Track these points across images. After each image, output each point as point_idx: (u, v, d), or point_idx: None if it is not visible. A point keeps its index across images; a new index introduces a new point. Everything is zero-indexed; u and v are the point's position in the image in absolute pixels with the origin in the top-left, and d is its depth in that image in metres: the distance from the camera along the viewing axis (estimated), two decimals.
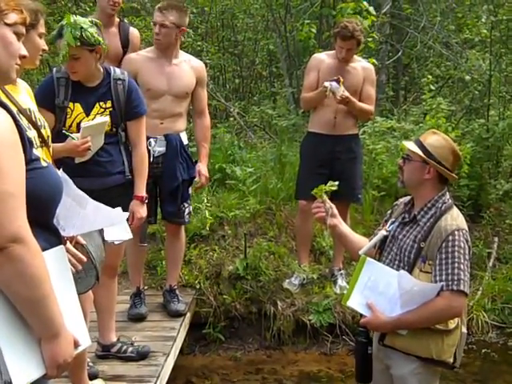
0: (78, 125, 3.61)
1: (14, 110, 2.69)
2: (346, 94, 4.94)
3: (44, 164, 1.93)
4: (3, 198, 1.66)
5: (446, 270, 2.77)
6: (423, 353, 2.85)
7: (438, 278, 2.78)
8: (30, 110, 2.81)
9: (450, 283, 2.75)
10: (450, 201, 2.98)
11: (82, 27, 3.47)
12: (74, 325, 1.91)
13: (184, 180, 4.55)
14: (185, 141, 4.62)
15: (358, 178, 5.39)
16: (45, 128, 2.90)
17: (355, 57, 5.30)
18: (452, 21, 9.66)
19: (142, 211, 3.86)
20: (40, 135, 2.84)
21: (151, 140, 4.41)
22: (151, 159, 4.40)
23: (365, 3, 6.71)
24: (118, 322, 4.67)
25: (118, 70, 3.80)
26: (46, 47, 2.96)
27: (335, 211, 3.13)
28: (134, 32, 5.23)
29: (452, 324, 2.85)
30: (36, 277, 1.71)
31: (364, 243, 3.15)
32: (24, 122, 2.72)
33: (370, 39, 7.22)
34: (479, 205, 6.67)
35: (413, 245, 2.90)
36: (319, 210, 3.11)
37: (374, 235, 3.20)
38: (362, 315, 2.99)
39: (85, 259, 2.62)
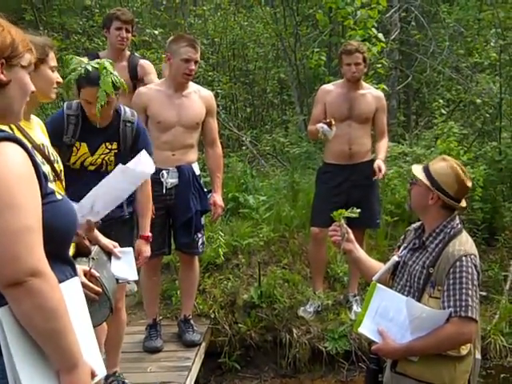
0: (82, 164, 3.65)
1: (29, 145, 2.75)
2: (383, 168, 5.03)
3: (59, 197, 1.96)
4: (22, 232, 1.68)
5: (453, 296, 2.75)
6: (436, 380, 2.81)
7: (446, 304, 2.76)
8: (43, 145, 2.88)
9: (458, 309, 2.72)
10: (460, 226, 2.95)
11: (111, 73, 3.45)
12: (90, 355, 1.93)
13: (197, 211, 4.56)
14: (197, 171, 4.63)
15: (375, 204, 5.40)
16: (57, 162, 2.96)
17: (364, 84, 5.33)
18: (461, 45, 9.70)
19: (148, 250, 3.89)
20: (53, 169, 2.90)
21: (163, 172, 4.44)
22: (164, 191, 4.45)
23: (374, 30, 6.77)
24: (134, 352, 4.70)
25: (128, 111, 3.78)
26: (60, 80, 3.00)
27: (351, 236, 3.14)
28: (142, 63, 5.32)
29: (464, 350, 2.83)
30: (55, 310, 1.73)
31: (379, 268, 3.14)
32: (38, 157, 2.79)
33: (379, 65, 7.28)
34: (494, 228, 6.63)
35: (422, 270, 2.89)
36: (335, 233, 3.11)
37: (387, 260, 3.20)
38: (373, 342, 2.98)
39: (101, 291, 2.65)
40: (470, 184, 2.94)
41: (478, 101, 8.13)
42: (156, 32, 8.73)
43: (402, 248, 3.11)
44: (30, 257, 1.69)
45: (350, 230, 3.14)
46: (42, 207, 1.79)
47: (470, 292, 2.75)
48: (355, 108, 5.09)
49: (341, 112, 5.13)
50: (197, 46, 4.42)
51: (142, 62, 5.39)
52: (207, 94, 4.71)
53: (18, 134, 2.76)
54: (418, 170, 2.99)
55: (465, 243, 2.87)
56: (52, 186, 1.98)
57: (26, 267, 1.67)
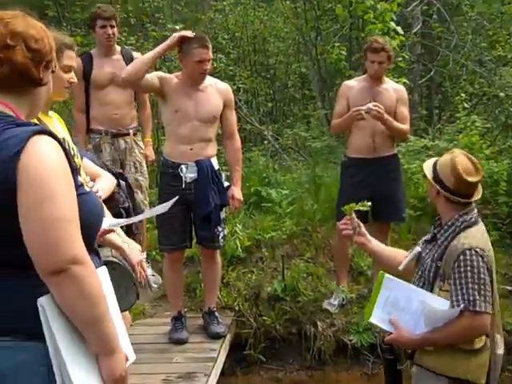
0: None
1: None
2: (383, 111, 4.94)
3: (87, 189, 2.00)
4: (62, 221, 1.73)
5: (461, 290, 2.74)
6: (450, 372, 2.81)
7: (454, 299, 2.75)
8: (64, 139, 2.93)
9: (466, 303, 2.72)
10: (473, 219, 2.90)
11: None
12: (123, 340, 1.97)
13: (216, 205, 4.56)
14: (215, 165, 4.62)
15: (400, 198, 5.38)
16: (77, 158, 3.02)
17: (386, 78, 5.33)
18: (484, 38, 9.63)
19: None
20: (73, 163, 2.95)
21: (182, 166, 4.48)
22: (183, 185, 4.47)
23: (392, 24, 6.74)
24: (160, 343, 4.74)
25: None
26: (74, 80, 2.99)
27: (363, 230, 3.13)
28: (136, 56, 5.35)
29: (478, 344, 2.81)
30: (95, 296, 1.78)
31: (399, 256, 3.13)
32: None
33: (400, 59, 7.26)
34: None
35: (431, 264, 2.89)
36: (346, 227, 3.11)
37: (412, 250, 3.19)
38: (385, 332, 2.98)
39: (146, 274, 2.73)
40: (472, 179, 2.84)
41: (502, 94, 8.06)
42: (177, 27, 8.73)
43: (422, 240, 3.11)
44: (71, 245, 1.74)
45: (361, 224, 3.13)
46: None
47: (475, 286, 2.73)
48: (378, 102, 5.08)
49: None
50: (208, 44, 4.39)
51: (136, 54, 5.46)
52: (224, 86, 4.69)
53: None
54: (428, 164, 2.99)
55: (472, 236, 2.83)
56: (80, 178, 2.02)
57: (68, 255, 1.72)
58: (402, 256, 3.14)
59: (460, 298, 2.72)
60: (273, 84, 10.61)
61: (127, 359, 1.97)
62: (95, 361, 1.85)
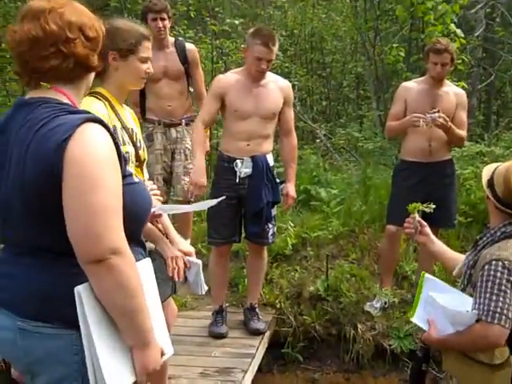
0: None
1: (119, 125, 2.90)
2: (446, 119, 4.82)
3: (136, 180, 2.02)
4: (104, 211, 1.75)
5: (479, 298, 2.71)
6: (466, 382, 2.81)
7: (475, 307, 2.72)
8: (132, 130, 2.99)
9: (481, 313, 2.68)
10: None
11: None
12: (160, 334, 1.98)
13: (268, 201, 4.56)
14: (271, 162, 4.62)
15: (453, 204, 5.28)
16: (143, 151, 3.08)
17: (446, 81, 5.21)
18: None
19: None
20: (137, 154, 3.02)
21: (237, 161, 4.48)
22: (237, 180, 4.48)
23: (453, 26, 6.62)
24: (199, 336, 4.78)
25: None
26: (150, 70, 3.07)
27: (427, 230, 3.17)
28: (190, 47, 5.41)
29: (498, 359, 2.75)
30: (133, 288, 1.79)
31: (459, 260, 3.10)
32: (126, 137, 2.92)
33: (459, 61, 7.12)
34: None
35: (466, 270, 2.89)
36: (409, 225, 3.18)
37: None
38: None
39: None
40: None
41: None
42: (236, 22, 8.79)
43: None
44: (111, 235, 1.75)
45: (425, 224, 3.17)
46: (122, 188, 1.84)
47: (493, 297, 2.67)
48: (438, 105, 4.96)
49: (423, 109, 4.98)
50: (272, 45, 4.32)
51: (188, 45, 5.46)
52: (285, 84, 4.66)
53: (112, 115, 2.90)
54: (489, 168, 2.95)
55: (505, 248, 2.77)
56: (130, 168, 2.04)
57: (108, 245, 1.74)
58: (461, 260, 3.10)
59: (477, 306, 2.71)
60: (328, 83, 10.58)
61: (163, 353, 1.97)
62: (129, 353, 1.86)
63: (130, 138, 3.01)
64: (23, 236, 1.88)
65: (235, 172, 4.49)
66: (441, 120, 4.77)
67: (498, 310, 2.67)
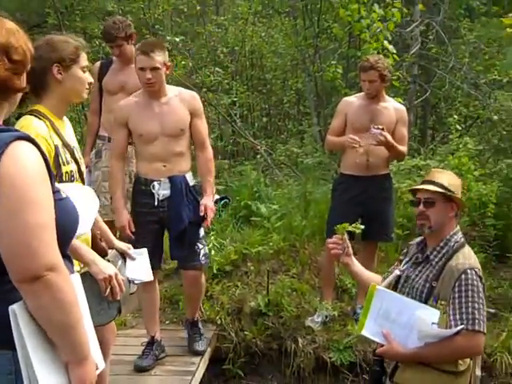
0: None
1: (60, 143, 2.88)
2: (388, 137, 4.89)
3: (64, 195, 2.00)
4: (39, 228, 1.73)
5: (459, 309, 2.77)
6: None
7: (452, 318, 2.78)
8: (74, 147, 2.99)
9: (465, 322, 2.74)
10: (463, 239, 3.00)
11: None
12: (92, 348, 1.96)
13: (191, 222, 4.36)
14: (190, 181, 4.44)
15: (390, 218, 5.38)
16: (82, 164, 3.08)
17: (386, 97, 5.30)
18: (480, 62, 9.68)
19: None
20: (79, 170, 3.01)
21: (155, 183, 4.32)
22: (156, 203, 4.33)
23: (386, 43, 6.78)
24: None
25: None
26: (91, 80, 3.07)
27: (350, 250, 3.19)
28: None
29: (463, 366, 2.83)
30: (70, 303, 1.78)
31: (376, 280, 3.18)
32: (68, 155, 2.91)
33: (394, 78, 7.29)
34: (506, 245, 6.55)
35: (425, 284, 2.92)
36: (335, 246, 3.15)
37: (389, 273, 3.21)
38: (377, 344, 2.99)
39: (123, 290, 2.73)
40: None
41: (495, 117, 8.10)
42: (177, 39, 8.79)
43: (403, 262, 3.13)
44: (47, 252, 1.73)
45: (349, 244, 3.18)
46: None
47: (476, 305, 2.77)
48: (376, 120, 5.05)
49: (361, 123, 5.09)
50: (151, 52, 4.10)
51: None
52: (189, 95, 4.42)
53: (53, 134, 2.87)
54: (432, 187, 3.01)
55: (468, 257, 2.91)
56: (57, 184, 2.02)
57: (44, 262, 1.72)
58: (378, 280, 3.20)
59: (459, 316, 2.76)
60: (269, 99, 10.66)
61: (97, 368, 1.96)
62: (65, 369, 1.84)
63: (72, 155, 2.99)
64: None
65: (153, 195, 4.33)
66: (381, 138, 4.84)
67: (482, 317, 2.77)
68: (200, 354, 4.75)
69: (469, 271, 2.82)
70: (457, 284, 2.80)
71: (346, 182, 5.28)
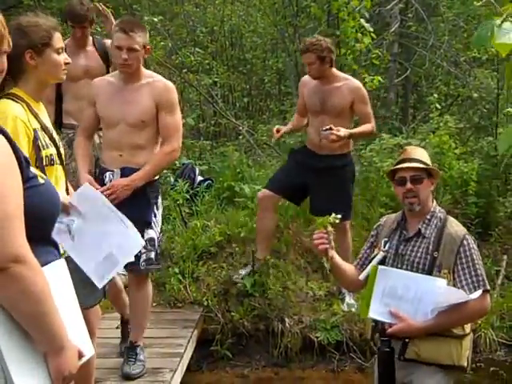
0: None
1: (38, 127, 2.83)
2: (341, 133, 4.82)
3: (41, 181, 1.96)
4: (4, 219, 1.69)
5: (469, 273, 2.91)
6: (446, 360, 2.92)
7: (464, 283, 2.90)
8: (50, 129, 2.94)
9: (477, 285, 2.89)
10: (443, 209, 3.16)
11: None
12: (77, 335, 1.94)
13: (134, 221, 3.42)
14: None
15: (342, 197, 5.19)
16: (61, 147, 3.02)
17: (340, 76, 5.23)
18: (460, 39, 9.70)
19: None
20: (59, 153, 2.96)
21: (107, 173, 3.99)
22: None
23: (362, 20, 6.78)
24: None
25: None
26: (68, 60, 3.04)
27: (333, 243, 3.12)
28: (109, 44, 4.90)
29: (468, 328, 2.97)
30: (38, 294, 1.74)
31: (353, 270, 3.22)
32: (47, 139, 2.86)
33: (373, 56, 7.32)
34: (488, 222, 6.64)
35: (426, 257, 2.99)
36: (322, 241, 3.05)
37: (361, 260, 3.24)
38: (380, 326, 3.01)
39: None
40: None
41: (475, 95, 8.15)
42: (155, 19, 8.67)
43: (383, 242, 3.12)
44: (11, 243, 1.69)
45: (332, 237, 3.12)
46: (25, 192, 1.79)
47: (481, 267, 2.95)
48: (327, 102, 5.07)
49: (313, 105, 5.19)
50: (130, 31, 3.80)
51: (108, 43, 5.02)
52: (160, 85, 3.98)
53: (31, 118, 2.83)
54: (417, 164, 3.08)
55: (458, 224, 3.08)
56: (34, 170, 1.98)
57: (9, 254, 1.68)
58: (352, 269, 3.24)
59: (470, 280, 2.90)
60: (249, 79, 10.59)
61: (82, 355, 1.93)
62: (43, 361, 1.81)
63: (51, 138, 2.95)
64: None
65: (105, 185, 3.88)
66: (333, 137, 4.80)
67: (485, 277, 2.94)
68: (131, 378, 4.11)
69: (467, 236, 2.98)
70: (461, 250, 2.93)
71: (303, 152, 5.42)
